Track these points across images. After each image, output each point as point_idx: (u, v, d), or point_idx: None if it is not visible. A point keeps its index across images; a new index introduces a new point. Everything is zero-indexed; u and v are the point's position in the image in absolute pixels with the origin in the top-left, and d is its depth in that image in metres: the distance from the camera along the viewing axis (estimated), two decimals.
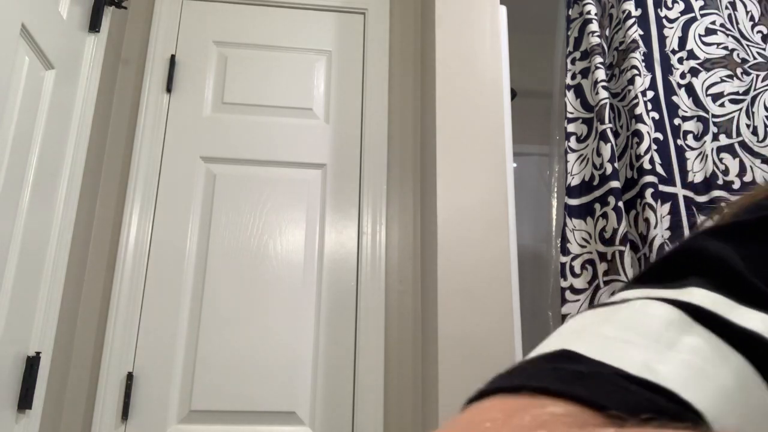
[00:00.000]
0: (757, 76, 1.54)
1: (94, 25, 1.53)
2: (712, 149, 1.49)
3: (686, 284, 0.25)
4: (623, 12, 1.58)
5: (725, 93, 1.53)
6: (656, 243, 1.34)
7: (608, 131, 1.44)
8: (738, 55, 1.57)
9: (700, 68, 1.55)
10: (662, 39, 1.59)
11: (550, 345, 0.23)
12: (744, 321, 0.22)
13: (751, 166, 1.47)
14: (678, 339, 0.22)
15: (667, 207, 1.41)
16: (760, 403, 0.21)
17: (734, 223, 0.27)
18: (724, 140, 1.50)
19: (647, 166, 1.40)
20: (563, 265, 1.42)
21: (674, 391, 0.20)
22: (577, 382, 0.20)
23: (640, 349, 0.22)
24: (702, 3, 1.62)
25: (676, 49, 1.58)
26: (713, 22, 1.60)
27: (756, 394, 0.21)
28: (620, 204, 1.38)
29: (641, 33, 1.57)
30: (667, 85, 1.54)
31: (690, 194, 1.44)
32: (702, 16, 1.61)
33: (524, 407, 0.20)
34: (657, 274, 0.26)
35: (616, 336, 0.23)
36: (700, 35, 1.59)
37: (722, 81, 1.54)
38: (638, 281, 0.26)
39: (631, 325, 0.23)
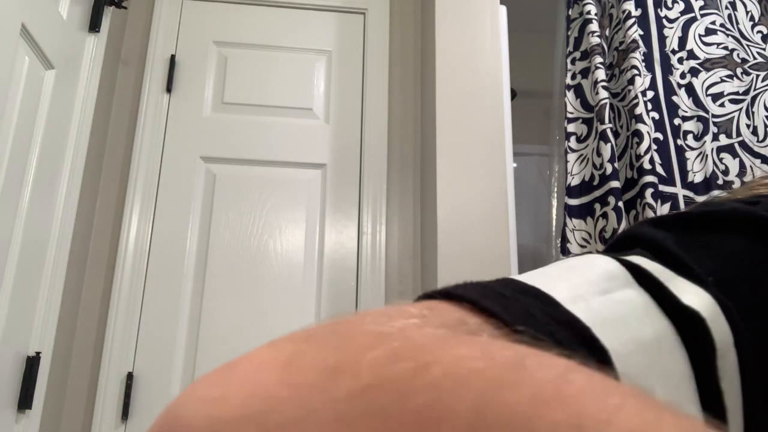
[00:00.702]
0: (757, 76, 1.54)
1: (94, 25, 1.53)
2: (712, 149, 1.49)
3: (630, 253, 0.26)
4: (623, 12, 1.58)
5: (725, 93, 1.53)
6: None
7: (608, 131, 1.44)
8: (738, 55, 1.57)
9: (700, 68, 1.55)
10: (662, 39, 1.59)
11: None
12: (679, 292, 0.23)
13: (751, 166, 1.47)
14: (613, 289, 0.23)
15: (667, 207, 1.41)
16: (672, 366, 0.21)
17: (678, 215, 0.28)
18: (724, 140, 1.50)
19: (647, 166, 1.40)
20: None
21: (587, 326, 0.20)
22: (497, 299, 0.21)
23: (573, 287, 0.22)
24: (702, 3, 1.62)
25: (676, 49, 1.58)
26: (713, 22, 1.60)
27: (672, 357, 0.21)
28: (620, 204, 1.38)
29: (641, 33, 1.57)
30: (667, 85, 1.54)
31: (690, 194, 1.44)
32: (702, 16, 1.61)
33: (433, 306, 0.20)
34: (606, 252, 0.27)
35: (558, 275, 0.24)
36: (700, 35, 1.59)
37: (722, 81, 1.54)
38: None
39: (575, 269, 0.24)
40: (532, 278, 0.23)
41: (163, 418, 0.17)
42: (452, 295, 0.21)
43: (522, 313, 0.20)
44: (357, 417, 0.14)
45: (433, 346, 0.16)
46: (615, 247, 0.28)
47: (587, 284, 0.23)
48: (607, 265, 0.24)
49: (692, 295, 0.23)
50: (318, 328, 0.18)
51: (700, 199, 1.43)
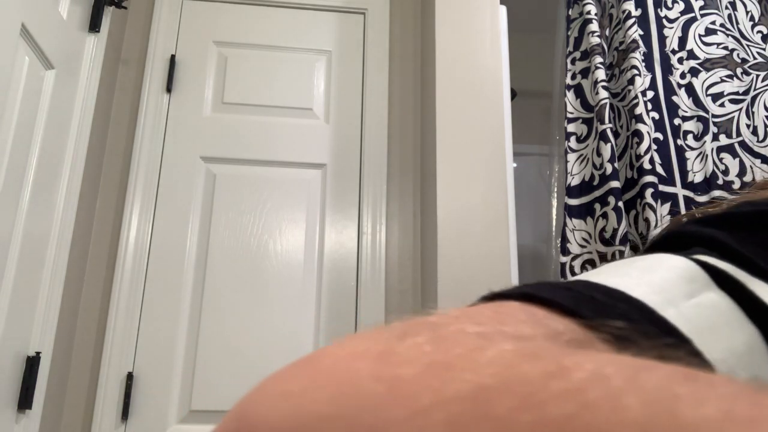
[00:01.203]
0: (757, 76, 1.54)
1: (94, 25, 1.53)
2: (712, 149, 1.48)
3: (693, 252, 0.24)
4: (623, 12, 1.58)
5: (725, 93, 1.53)
6: None
7: (608, 131, 1.44)
8: (738, 55, 1.57)
9: (700, 68, 1.55)
10: (662, 39, 1.59)
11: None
12: (761, 293, 0.21)
13: (751, 166, 1.47)
14: (696, 292, 0.21)
15: (667, 207, 1.41)
16: (766, 376, 0.20)
17: (725, 214, 0.27)
18: (724, 140, 1.49)
19: (647, 166, 1.40)
20: (563, 265, 1.42)
21: (689, 338, 0.19)
22: (589, 303, 0.19)
23: (658, 290, 0.21)
24: (702, 3, 1.62)
25: (676, 49, 1.58)
26: (713, 22, 1.60)
27: (763, 367, 0.20)
28: (620, 204, 1.37)
29: (641, 33, 1.57)
30: (667, 85, 1.54)
31: (690, 194, 1.44)
32: (702, 16, 1.61)
33: (524, 311, 0.18)
34: (654, 251, 0.26)
35: (637, 276, 0.22)
36: (700, 35, 1.59)
37: (722, 81, 1.54)
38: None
39: (651, 270, 0.22)
40: (611, 279, 0.21)
41: (233, 417, 0.14)
42: (536, 297, 0.19)
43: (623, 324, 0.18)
44: (474, 421, 0.12)
45: (555, 352, 0.14)
46: (663, 246, 0.26)
47: (671, 287, 0.21)
48: (683, 264, 0.22)
49: None
50: (406, 324, 0.17)
51: (701, 199, 1.43)
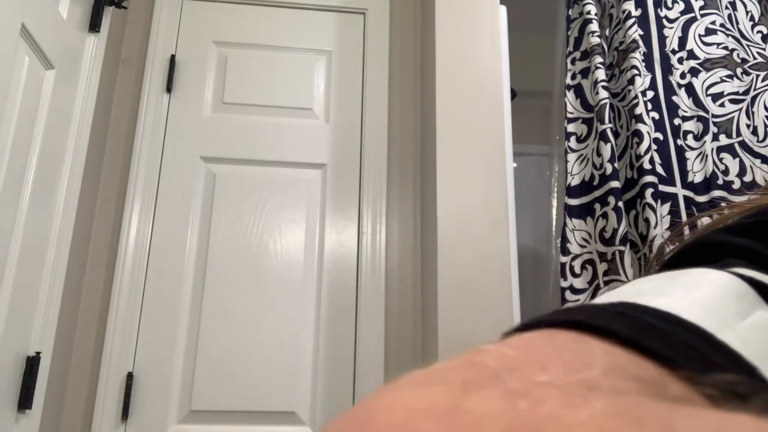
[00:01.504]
0: (757, 76, 1.54)
1: (94, 25, 1.53)
2: (712, 149, 1.48)
3: (729, 264, 0.22)
4: (623, 12, 1.58)
5: (725, 93, 1.53)
6: (656, 243, 1.34)
7: (608, 131, 1.44)
8: (738, 55, 1.57)
9: (700, 68, 1.55)
10: (662, 39, 1.59)
11: (601, 301, 0.20)
12: None
13: (751, 166, 1.47)
14: (748, 312, 0.19)
15: (667, 207, 1.41)
16: None
17: (750, 222, 0.25)
18: (724, 140, 1.49)
19: (647, 166, 1.40)
20: (563, 265, 1.42)
21: (754, 366, 0.17)
22: (650, 331, 0.17)
23: (711, 311, 0.19)
24: (702, 3, 1.62)
25: (676, 49, 1.58)
26: (713, 22, 1.60)
27: None
28: (620, 204, 1.38)
29: (641, 33, 1.57)
30: (667, 85, 1.54)
31: (690, 194, 1.44)
32: (702, 16, 1.61)
33: (586, 346, 0.16)
34: (681, 262, 0.24)
35: (685, 295, 0.19)
36: (700, 35, 1.59)
37: (722, 81, 1.54)
38: (666, 268, 0.23)
39: (695, 288, 0.20)
40: (658, 300, 0.19)
41: None
42: (589, 326, 0.17)
43: (689, 354, 0.16)
44: None
45: (658, 411, 0.12)
46: (692, 257, 0.24)
47: (722, 306, 0.19)
48: (727, 280, 0.20)
49: None
50: (461, 368, 0.14)
51: (701, 199, 1.43)
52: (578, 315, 0.18)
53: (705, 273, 0.21)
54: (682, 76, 1.55)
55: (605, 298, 0.20)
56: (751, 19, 1.63)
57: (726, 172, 1.47)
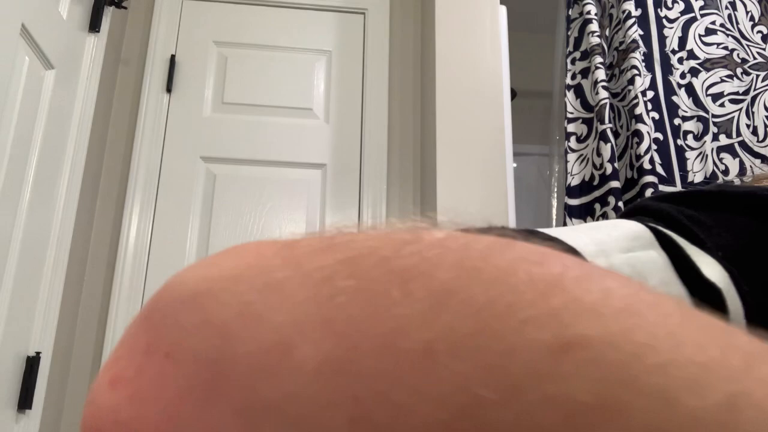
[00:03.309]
0: (757, 76, 1.54)
1: (94, 25, 1.53)
2: (712, 149, 1.49)
3: (647, 221, 0.26)
4: (623, 12, 1.58)
5: (725, 93, 1.53)
6: None
7: (608, 131, 1.44)
8: (738, 55, 1.57)
9: (700, 68, 1.55)
10: (662, 39, 1.59)
11: None
12: (701, 264, 0.23)
13: (751, 166, 1.47)
14: (638, 248, 0.23)
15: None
16: None
17: (685, 191, 0.28)
18: (724, 140, 1.50)
19: (647, 166, 1.40)
20: None
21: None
22: (517, 232, 0.21)
23: (596, 242, 0.23)
24: (702, 3, 1.62)
25: (676, 49, 1.58)
26: (713, 22, 1.60)
27: None
28: (620, 204, 1.38)
29: (641, 33, 1.57)
30: (667, 85, 1.54)
31: None
32: (702, 16, 1.61)
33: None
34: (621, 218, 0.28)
35: (582, 231, 0.24)
36: (700, 35, 1.59)
37: (722, 81, 1.54)
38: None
39: (599, 228, 0.24)
40: (562, 233, 0.23)
41: (160, 288, 0.18)
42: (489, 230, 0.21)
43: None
44: (343, 276, 0.14)
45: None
46: (624, 218, 0.28)
47: (611, 241, 0.23)
48: (633, 226, 0.24)
49: (708, 267, 0.23)
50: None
51: None
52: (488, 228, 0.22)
53: (620, 221, 0.25)
54: (682, 76, 1.55)
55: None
56: (751, 19, 1.63)
57: (726, 172, 1.47)
